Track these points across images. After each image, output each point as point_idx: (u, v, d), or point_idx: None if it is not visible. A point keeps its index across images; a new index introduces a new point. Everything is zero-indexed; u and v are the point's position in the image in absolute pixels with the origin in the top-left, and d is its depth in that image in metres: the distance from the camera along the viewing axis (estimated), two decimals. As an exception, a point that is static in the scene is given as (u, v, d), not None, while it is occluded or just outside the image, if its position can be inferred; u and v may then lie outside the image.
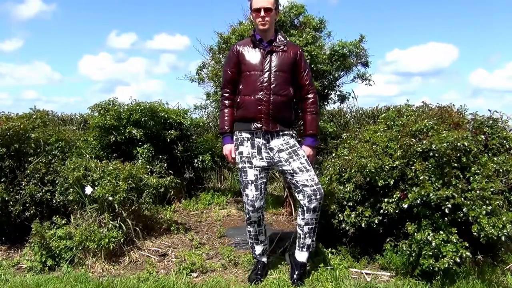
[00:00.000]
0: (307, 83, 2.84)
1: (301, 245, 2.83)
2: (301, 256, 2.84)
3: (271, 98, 2.70)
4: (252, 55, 2.76)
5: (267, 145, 2.77)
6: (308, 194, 2.66)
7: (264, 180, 2.78)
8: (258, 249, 2.97)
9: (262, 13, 2.69)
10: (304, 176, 2.67)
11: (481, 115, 3.27)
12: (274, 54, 2.74)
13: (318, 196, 2.65)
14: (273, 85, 2.70)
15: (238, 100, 2.79)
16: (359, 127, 3.80)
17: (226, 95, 2.88)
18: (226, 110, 2.87)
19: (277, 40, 2.79)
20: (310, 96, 2.85)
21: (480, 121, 3.22)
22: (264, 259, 3.00)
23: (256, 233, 2.91)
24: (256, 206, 2.75)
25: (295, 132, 2.93)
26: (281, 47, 2.76)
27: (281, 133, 2.78)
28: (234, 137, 2.84)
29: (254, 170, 2.72)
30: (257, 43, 2.77)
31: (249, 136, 2.76)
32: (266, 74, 2.71)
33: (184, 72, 5.55)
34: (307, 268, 2.90)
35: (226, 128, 2.84)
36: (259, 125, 2.72)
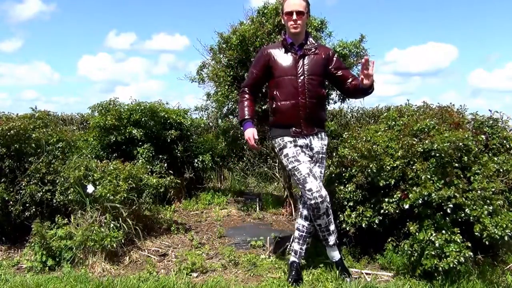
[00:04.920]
0: (352, 74, 2.85)
1: (291, 247, 2.92)
2: (292, 256, 2.91)
3: (307, 102, 2.69)
4: (284, 60, 2.73)
5: (309, 145, 2.77)
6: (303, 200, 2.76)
7: (316, 169, 2.76)
8: (332, 239, 2.81)
9: (294, 17, 2.66)
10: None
11: (481, 115, 3.28)
12: (306, 57, 2.72)
13: (313, 201, 2.65)
14: (308, 89, 2.69)
15: (274, 106, 2.77)
16: (360, 126, 3.80)
17: (247, 91, 2.87)
18: (246, 102, 2.84)
19: (308, 43, 2.76)
20: (355, 81, 2.80)
21: (481, 121, 3.22)
22: (337, 255, 2.87)
23: (327, 224, 2.75)
24: (323, 194, 2.63)
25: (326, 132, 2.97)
26: (313, 50, 2.74)
27: (319, 135, 2.80)
28: (276, 143, 2.80)
29: (305, 164, 2.68)
30: (288, 47, 2.74)
31: (291, 139, 2.74)
32: (301, 79, 2.68)
33: (183, 72, 5.58)
34: (297, 268, 2.87)
35: (247, 115, 2.79)
36: (298, 130, 2.72)
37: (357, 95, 2.89)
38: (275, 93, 2.75)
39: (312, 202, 2.63)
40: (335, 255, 2.86)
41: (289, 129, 2.73)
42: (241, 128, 2.83)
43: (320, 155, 2.79)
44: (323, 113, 2.87)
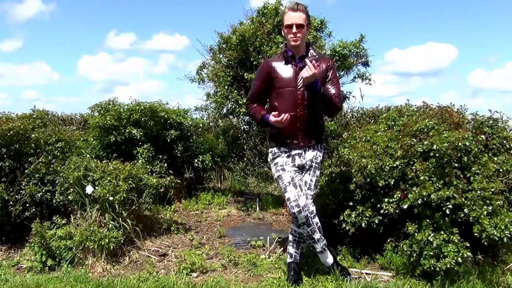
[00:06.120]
0: (333, 92, 2.71)
1: (287, 249, 2.93)
2: (288, 258, 2.93)
3: (306, 114, 2.68)
4: (285, 72, 2.72)
5: (303, 154, 2.77)
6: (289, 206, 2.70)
7: (299, 178, 2.74)
8: (318, 247, 2.77)
9: (294, 29, 2.65)
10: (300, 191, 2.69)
11: (481, 115, 3.27)
12: None
13: (291, 210, 2.65)
14: (307, 102, 2.67)
15: None
16: (360, 126, 3.80)
17: (251, 103, 2.87)
18: (255, 108, 2.82)
19: (309, 55, 2.75)
20: (335, 97, 2.71)
21: (481, 121, 3.22)
22: (330, 260, 2.86)
23: (309, 233, 2.72)
24: (301, 204, 2.61)
25: (324, 144, 2.92)
26: (313, 62, 2.70)
27: (315, 147, 2.79)
28: (271, 153, 2.81)
29: (288, 173, 2.70)
30: (289, 60, 2.73)
31: (286, 150, 2.75)
32: (300, 91, 2.67)
33: (183, 72, 5.61)
34: (295, 268, 2.87)
35: (263, 112, 2.75)
36: (295, 141, 2.72)
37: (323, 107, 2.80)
38: (275, 104, 2.75)
39: (291, 211, 2.65)
40: (328, 260, 2.84)
41: (286, 140, 2.72)
42: (266, 123, 2.72)
43: (313, 164, 2.77)
44: (322, 126, 2.86)
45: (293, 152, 2.75)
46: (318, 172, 2.81)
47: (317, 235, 2.73)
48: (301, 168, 2.77)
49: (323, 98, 2.63)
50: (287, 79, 2.71)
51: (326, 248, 2.81)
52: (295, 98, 2.67)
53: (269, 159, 2.87)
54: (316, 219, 2.71)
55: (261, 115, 2.76)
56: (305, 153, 2.77)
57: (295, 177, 2.70)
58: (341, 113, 7.25)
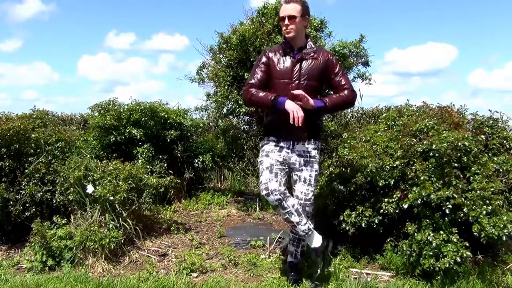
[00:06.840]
0: (342, 83, 2.70)
1: (287, 248, 2.90)
2: (288, 257, 2.92)
3: (301, 107, 2.60)
4: (282, 63, 2.71)
5: (291, 147, 2.73)
6: None
7: (280, 167, 2.65)
8: (299, 231, 2.63)
9: (286, 21, 2.65)
10: (302, 188, 2.67)
11: (481, 115, 3.28)
12: (304, 62, 2.69)
13: (261, 193, 2.61)
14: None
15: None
16: (360, 126, 3.80)
17: (252, 86, 2.71)
18: (259, 92, 2.68)
19: (307, 47, 2.73)
20: (345, 92, 2.68)
21: (480, 121, 3.22)
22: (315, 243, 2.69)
23: (285, 216, 2.59)
24: (269, 188, 2.53)
25: (322, 144, 2.87)
26: (311, 55, 2.70)
27: (307, 141, 2.73)
28: (262, 140, 2.80)
29: (270, 159, 2.65)
30: (287, 51, 2.72)
31: (275, 139, 2.73)
32: (295, 83, 2.65)
33: (183, 72, 5.61)
34: (296, 267, 2.87)
35: (270, 96, 2.59)
36: (286, 134, 2.69)
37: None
38: None
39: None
40: (311, 242, 2.66)
41: (279, 132, 2.69)
42: (276, 106, 2.56)
43: (306, 158, 2.71)
44: (317, 120, 2.79)
45: (281, 143, 2.71)
46: (316, 167, 2.73)
47: (295, 218, 2.58)
48: (287, 163, 2.69)
49: (333, 108, 2.69)
50: (283, 71, 2.68)
51: (310, 232, 2.64)
52: (289, 90, 2.62)
53: (260, 149, 2.83)
54: (291, 202, 2.58)
55: (268, 96, 2.60)
56: (293, 146, 2.71)
57: (275, 164, 2.63)
58: (341, 113, 7.25)
